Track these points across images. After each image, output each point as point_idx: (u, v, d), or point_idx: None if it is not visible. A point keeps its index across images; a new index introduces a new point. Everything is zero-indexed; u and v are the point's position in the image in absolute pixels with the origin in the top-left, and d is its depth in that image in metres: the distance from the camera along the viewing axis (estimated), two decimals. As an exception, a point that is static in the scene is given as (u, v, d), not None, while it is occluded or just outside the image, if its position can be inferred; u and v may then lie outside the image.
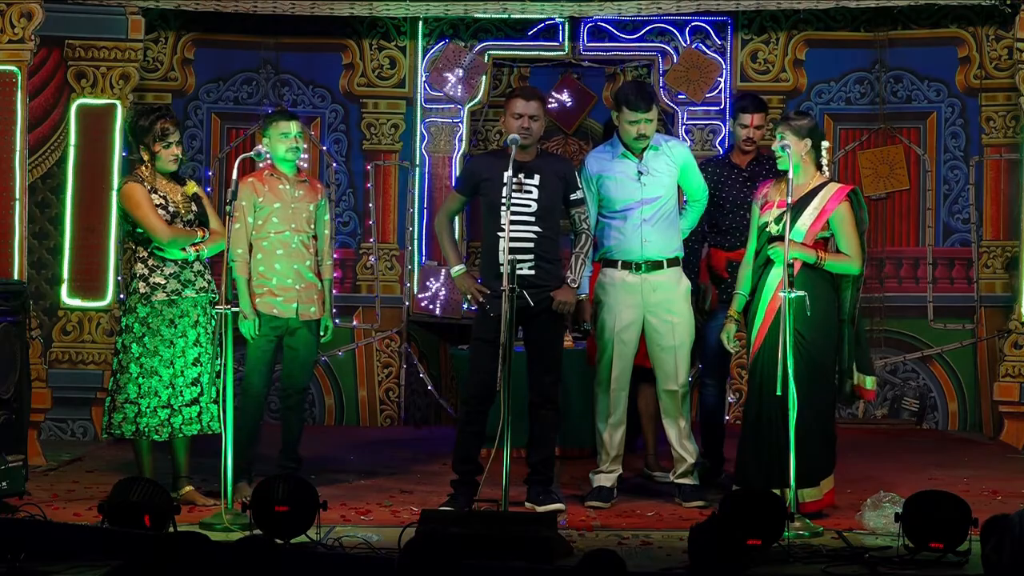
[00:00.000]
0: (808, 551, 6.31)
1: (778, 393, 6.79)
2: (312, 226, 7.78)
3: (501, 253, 7.11)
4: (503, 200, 7.03)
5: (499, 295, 6.94)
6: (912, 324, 10.57)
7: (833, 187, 7.17)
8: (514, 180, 7.13)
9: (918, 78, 10.56)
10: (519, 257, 7.10)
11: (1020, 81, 9.47)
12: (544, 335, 7.36)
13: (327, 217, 7.92)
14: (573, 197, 7.39)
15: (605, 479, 7.62)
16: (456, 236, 10.13)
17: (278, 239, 7.68)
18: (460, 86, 10.55)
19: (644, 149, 7.55)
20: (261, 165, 7.75)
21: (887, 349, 10.60)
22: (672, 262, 7.59)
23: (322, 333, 7.88)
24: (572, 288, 7.34)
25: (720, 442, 8.24)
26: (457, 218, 10.03)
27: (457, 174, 7.59)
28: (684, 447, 7.61)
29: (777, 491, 6.71)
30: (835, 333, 7.18)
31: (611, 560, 5.53)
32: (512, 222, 7.12)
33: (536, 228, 7.27)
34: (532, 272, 7.21)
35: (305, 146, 7.85)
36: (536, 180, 7.28)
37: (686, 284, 7.65)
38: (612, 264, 7.57)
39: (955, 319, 10.48)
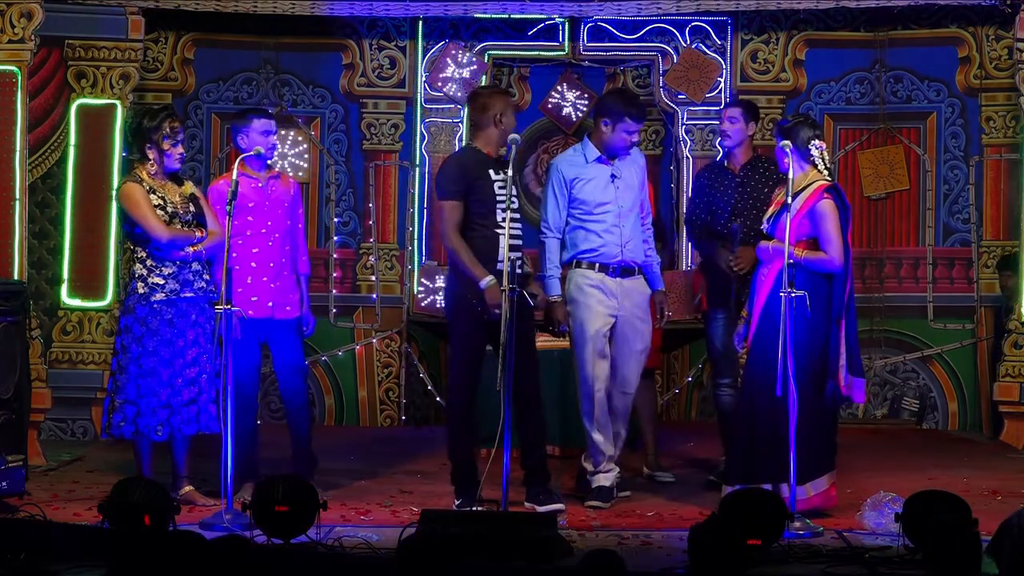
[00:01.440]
0: (808, 551, 6.31)
1: (778, 394, 6.79)
2: (288, 222, 7.76)
3: (502, 250, 7.13)
4: (504, 198, 7.11)
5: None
6: (912, 324, 10.58)
7: (813, 185, 7.19)
8: (499, 177, 7.24)
9: (918, 78, 10.57)
10: (517, 255, 7.18)
11: (1020, 81, 9.46)
12: (524, 336, 7.22)
13: (299, 211, 7.88)
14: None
15: (604, 479, 7.63)
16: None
17: (256, 238, 7.65)
18: (460, 86, 10.55)
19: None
20: (243, 162, 7.62)
21: (887, 349, 10.61)
22: (640, 268, 7.70)
23: (304, 327, 7.82)
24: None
25: None
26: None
27: (442, 185, 7.49)
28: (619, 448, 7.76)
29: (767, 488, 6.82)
30: (824, 335, 7.13)
31: (611, 560, 5.53)
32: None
33: (520, 224, 7.37)
34: (520, 271, 7.24)
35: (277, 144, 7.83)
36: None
37: (648, 290, 7.76)
38: (590, 267, 7.59)
39: (955, 319, 10.48)
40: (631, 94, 8.36)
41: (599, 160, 7.62)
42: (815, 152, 7.16)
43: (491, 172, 7.26)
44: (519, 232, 7.30)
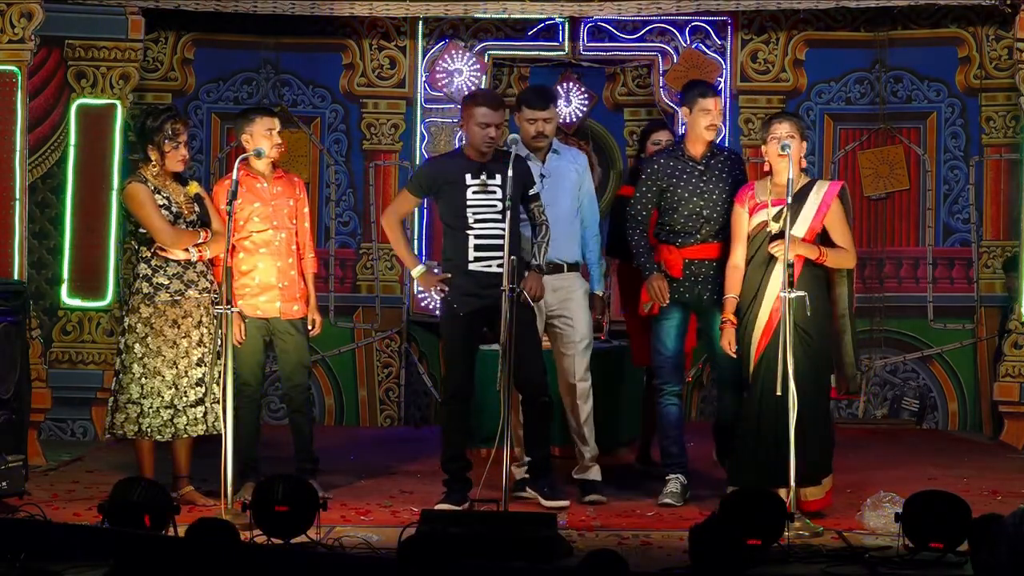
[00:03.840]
0: (808, 551, 6.31)
1: (778, 393, 6.80)
2: (293, 221, 7.74)
3: (471, 251, 7.30)
4: (474, 202, 7.27)
5: (469, 293, 7.23)
6: (912, 324, 10.57)
7: (825, 184, 7.25)
8: (476, 181, 7.29)
9: (918, 78, 10.57)
10: (490, 254, 7.23)
11: (1020, 81, 9.47)
12: (523, 334, 7.22)
13: (306, 210, 7.86)
14: (531, 192, 7.48)
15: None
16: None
17: (260, 238, 7.63)
18: (460, 86, 10.55)
19: (546, 152, 7.73)
20: (248, 162, 7.61)
21: (887, 349, 10.60)
22: (572, 267, 7.75)
23: (309, 327, 7.79)
24: (539, 275, 7.40)
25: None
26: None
27: (412, 176, 7.68)
28: (585, 441, 7.75)
29: (783, 491, 6.82)
30: (831, 330, 7.22)
31: (612, 560, 5.53)
32: (479, 221, 7.29)
33: (503, 226, 7.29)
34: (501, 269, 7.22)
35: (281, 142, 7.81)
36: (498, 180, 7.35)
37: (585, 287, 7.81)
38: None
39: (955, 319, 10.48)
40: (540, 86, 8.70)
41: (528, 158, 7.65)
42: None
43: (468, 176, 7.33)
44: (498, 231, 7.23)
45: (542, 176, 7.62)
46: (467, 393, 7.39)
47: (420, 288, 7.48)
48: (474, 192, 7.31)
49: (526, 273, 7.34)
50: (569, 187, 7.74)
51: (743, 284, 7.25)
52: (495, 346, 7.21)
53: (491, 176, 7.34)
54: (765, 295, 7.16)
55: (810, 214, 7.15)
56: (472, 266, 7.28)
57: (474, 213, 7.28)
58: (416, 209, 10.53)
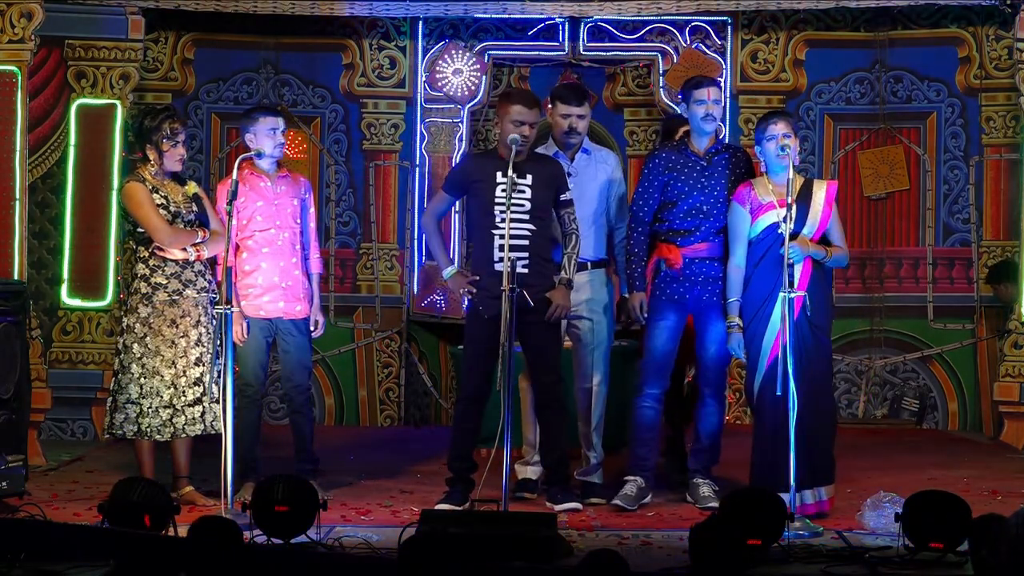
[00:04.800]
0: (808, 551, 6.31)
1: (778, 393, 6.81)
2: (297, 221, 7.73)
3: (496, 251, 7.24)
4: (502, 200, 7.17)
5: (495, 296, 7.07)
6: (912, 324, 10.58)
7: (823, 184, 7.27)
8: (506, 180, 7.22)
9: (918, 78, 10.57)
10: (515, 255, 7.11)
11: (1020, 81, 9.47)
12: (541, 336, 7.38)
13: (312, 210, 7.85)
14: (563, 198, 7.45)
15: (532, 472, 7.79)
16: (456, 235, 10.27)
17: (263, 237, 7.63)
18: (460, 86, 10.55)
19: (575, 150, 7.70)
20: (252, 162, 7.60)
21: (887, 349, 10.61)
22: (596, 264, 7.70)
23: (312, 328, 7.79)
24: (567, 290, 7.37)
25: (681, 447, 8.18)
26: (457, 217, 10.14)
27: (447, 174, 7.71)
28: (591, 446, 7.71)
29: (809, 492, 7.04)
30: (829, 334, 7.31)
31: (612, 560, 5.53)
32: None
33: (530, 226, 7.32)
34: (526, 270, 7.23)
35: (285, 141, 7.80)
36: (528, 180, 7.33)
37: (609, 288, 7.75)
38: None
39: (955, 319, 10.48)
40: (574, 83, 8.55)
41: (557, 155, 7.66)
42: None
43: (499, 174, 7.30)
44: (524, 231, 7.28)
45: (568, 175, 7.58)
46: (484, 395, 7.37)
47: (450, 289, 7.41)
48: (503, 190, 7.25)
49: (555, 280, 7.36)
50: (596, 187, 7.69)
51: (750, 286, 7.20)
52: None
53: (522, 175, 7.30)
54: (779, 297, 7.07)
55: (817, 214, 7.15)
56: (499, 266, 7.16)
57: (501, 212, 7.23)
58: (416, 209, 10.60)
